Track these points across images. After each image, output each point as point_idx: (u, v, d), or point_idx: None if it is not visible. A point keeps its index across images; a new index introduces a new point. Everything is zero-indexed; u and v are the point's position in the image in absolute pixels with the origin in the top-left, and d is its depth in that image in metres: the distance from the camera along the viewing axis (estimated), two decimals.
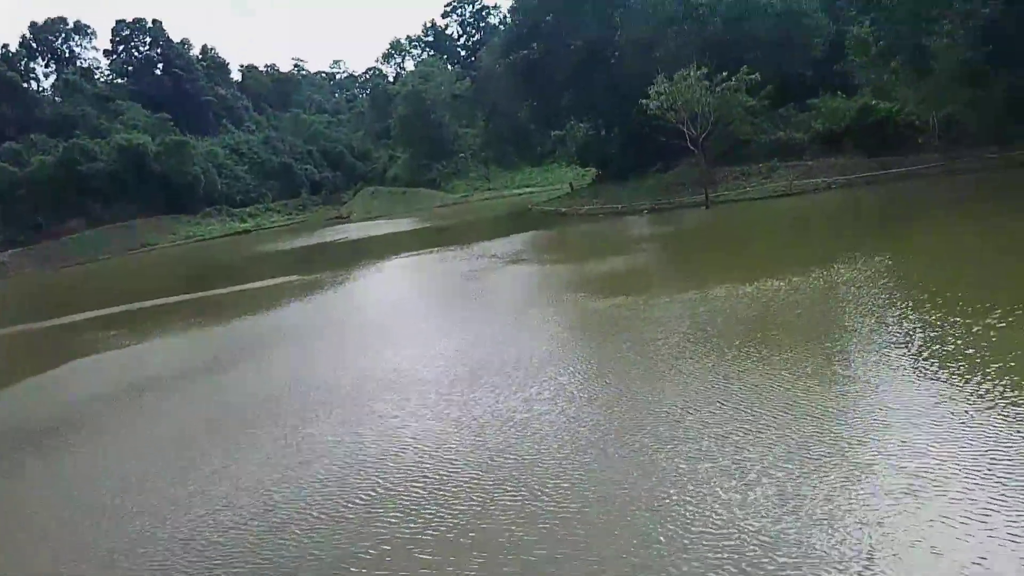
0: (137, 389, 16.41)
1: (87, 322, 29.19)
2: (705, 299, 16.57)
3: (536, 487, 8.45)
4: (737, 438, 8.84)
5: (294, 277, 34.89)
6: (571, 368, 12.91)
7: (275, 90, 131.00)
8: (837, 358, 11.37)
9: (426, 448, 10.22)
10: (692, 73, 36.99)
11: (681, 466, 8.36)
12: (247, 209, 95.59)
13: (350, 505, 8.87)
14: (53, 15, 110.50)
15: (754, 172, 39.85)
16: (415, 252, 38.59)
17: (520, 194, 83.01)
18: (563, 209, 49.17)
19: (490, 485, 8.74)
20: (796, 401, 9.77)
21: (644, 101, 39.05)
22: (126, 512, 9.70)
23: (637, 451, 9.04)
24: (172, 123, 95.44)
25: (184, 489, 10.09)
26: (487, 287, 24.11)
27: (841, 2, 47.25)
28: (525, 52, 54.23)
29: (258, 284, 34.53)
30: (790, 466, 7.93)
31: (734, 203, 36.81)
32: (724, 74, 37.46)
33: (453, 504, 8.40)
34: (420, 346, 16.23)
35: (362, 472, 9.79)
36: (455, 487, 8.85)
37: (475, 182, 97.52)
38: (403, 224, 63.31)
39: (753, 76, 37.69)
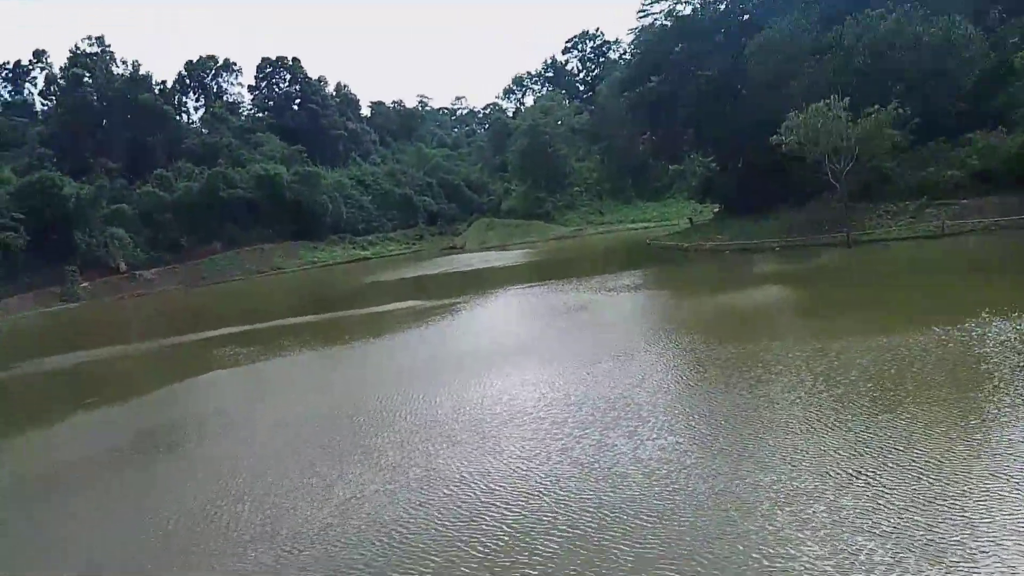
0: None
1: (224, 337, 30.50)
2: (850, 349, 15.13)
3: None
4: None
5: (415, 303, 35.32)
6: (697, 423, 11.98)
7: (400, 124, 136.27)
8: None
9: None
10: (833, 105, 35.05)
11: None
12: (368, 237, 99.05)
13: None
14: (206, 53, 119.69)
15: (899, 211, 37.09)
16: (532, 284, 38.15)
17: (635, 228, 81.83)
18: (684, 244, 47.67)
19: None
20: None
21: (778, 133, 37.36)
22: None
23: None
24: (305, 154, 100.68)
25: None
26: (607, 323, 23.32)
27: (1001, 29, 43.95)
28: (651, 84, 53.48)
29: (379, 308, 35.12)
30: None
31: (878, 243, 34.30)
32: (875, 106, 35.15)
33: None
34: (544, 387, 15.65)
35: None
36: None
37: (588, 215, 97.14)
38: (517, 256, 63.43)
39: (902, 110, 35.18)
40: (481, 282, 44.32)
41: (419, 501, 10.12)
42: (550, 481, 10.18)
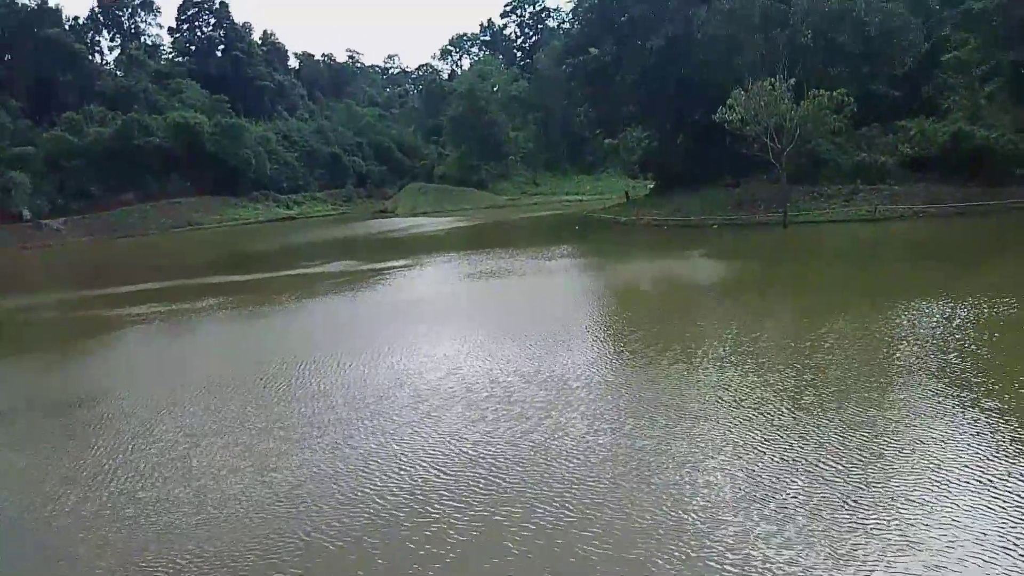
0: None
1: (139, 294, 28.38)
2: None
3: None
4: None
5: (349, 264, 33.89)
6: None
7: (330, 80, 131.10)
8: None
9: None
10: (779, 84, 35.14)
11: None
12: (293, 196, 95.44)
13: None
14: None
15: (833, 194, 37.77)
16: (470, 251, 37.22)
17: (569, 200, 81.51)
18: (622, 218, 47.48)
19: None
20: None
21: (721, 110, 37.26)
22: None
23: None
24: (228, 105, 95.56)
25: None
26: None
27: (935, 20, 45.03)
28: (594, 53, 52.55)
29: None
30: None
31: (814, 225, 34.85)
32: (819, 90, 35.37)
33: None
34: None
35: None
36: None
37: (523, 185, 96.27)
38: (452, 223, 62.17)
39: (844, 94, 35.55)
40: (419, 247, 43.04)
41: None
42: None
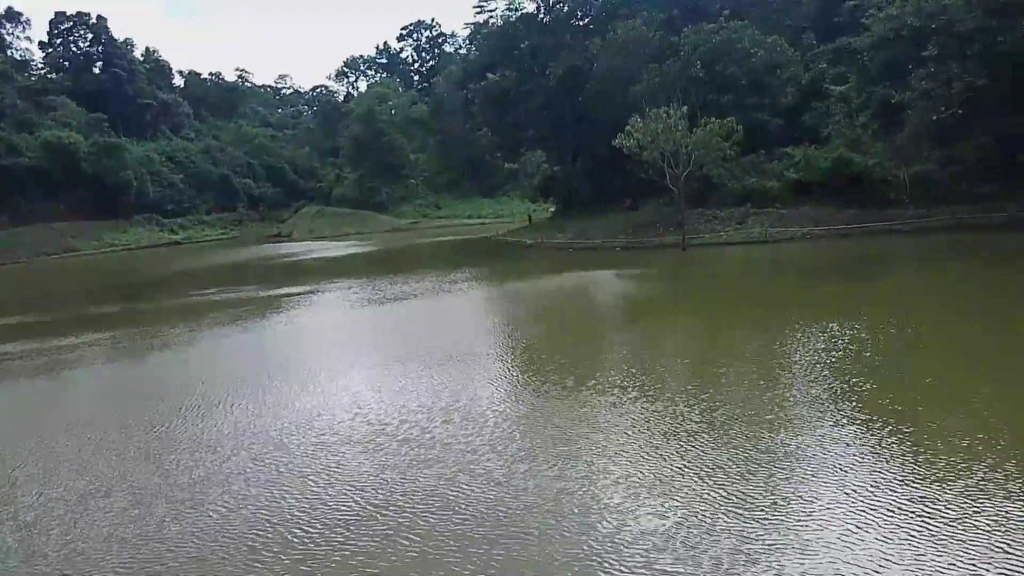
0: None
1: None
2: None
3: None
4: None
5: (240, 292, 32.20)
6: None
7: (218, 99, 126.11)
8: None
9: None
10: (673, 112, 36.32)
11: None
12: (179, 220, 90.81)
13: None
14: None
15: (726, 217, 39.29)
16: (373, 277, 36.29)
17: (471, 224, 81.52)
18: (527, 241, 47.63)
19: None
20: None
21: (620, 136, 38.14)
22: None
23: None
24: (107, 124, 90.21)
25: None
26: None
27: (811, 55, 48.06)
28: (495, 78, 53.02)
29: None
30: None
31: (710, 247, 36.01)
32: (712, 119, 36.92)
33: None
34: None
35: None
36: None
37: (424, 208, 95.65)
38: (351, 246, 60.65)
39: (733, 122, 37.26)
40: (318, 273, 41.59)
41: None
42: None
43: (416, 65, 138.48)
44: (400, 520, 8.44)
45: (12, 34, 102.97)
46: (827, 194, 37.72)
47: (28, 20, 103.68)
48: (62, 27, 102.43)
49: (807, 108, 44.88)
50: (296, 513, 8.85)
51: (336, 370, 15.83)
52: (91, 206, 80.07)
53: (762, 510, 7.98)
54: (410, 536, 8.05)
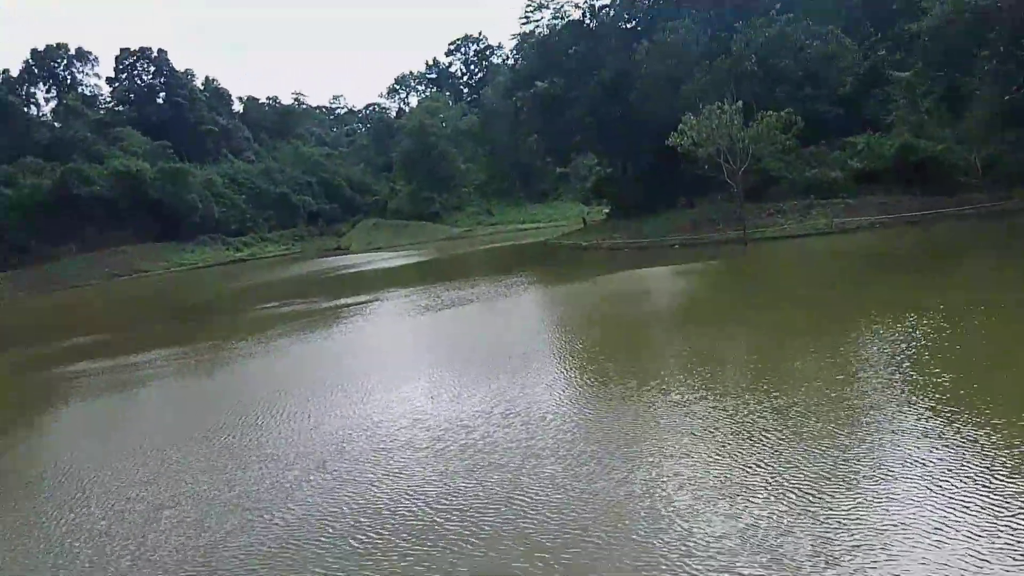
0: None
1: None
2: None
3: None
4: None
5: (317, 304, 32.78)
6: None
7: (276, 122, 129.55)
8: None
9: None
10: (728, 107, 35.56)
11: None
12: (242, 238, 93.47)
13: None
14: (55, 41, 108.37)
15: (789, 209, 38.18)
16: (451, 281, 36.24)
17: (524, 229, 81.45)
18: (583, 243, 47.29)
19: None
20: None
21: (673, 135, 37.56)
22: None
23: None
24: (171, 151, 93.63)
25: None
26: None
27: (870, 42, 46.49)
28: (543, 85, 52.90)
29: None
30: None
31: (773, 241, 35.03)
32: (769, 112, 35.98)
33: None
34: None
35: None
36: None
37: (477, 216, 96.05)
38: (410, 256, 61.26)
39: (790, 113, 36.25)
40: (376, 283, 42.08)
41: None
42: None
43: (465, 78, 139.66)
44: (463, 525, 8.29)
45: (81, 71, 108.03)
46: (893, 182, 36.40)
47: (96, 58, 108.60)
48: (127, 62, 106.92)
49: (867, 96, 43.41)
50: (361, 519, 8.81)
51: (395, 378, 15.84)
52: (158, 230, 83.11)
53: (842, 510, 7.55)
54: (474, 541, 7.90)
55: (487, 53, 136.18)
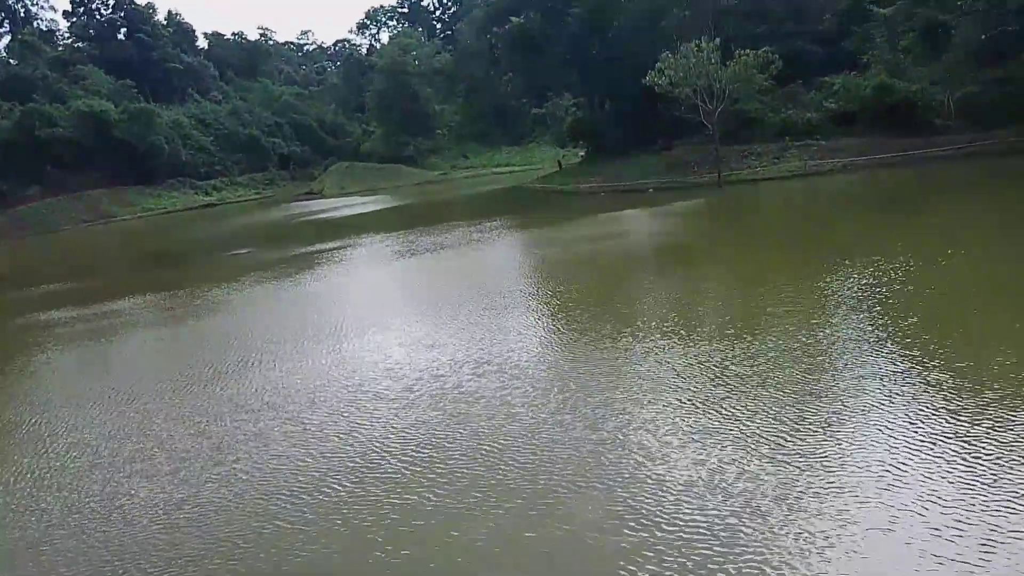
0: None
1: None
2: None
3: None
4: None
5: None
6: None
7: (242, 59, 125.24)
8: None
9: None
10: (705, 46, 34.95)
11: None
12: (212, 182, 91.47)
13: None
14: None
15: (764, 152, 38.06)
16: (429, 226, 35.70)
17: (500, 172, 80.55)
18: (559, 187, 46.93)
19: None
20: None
21: (651, 74, 36.90)
22: None
23: None
24: (136, 90, 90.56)
25: None
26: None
27: None
28: (520, 21, 51.44)
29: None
30: None
31: (748, 183, 35.02)
32: (746, 51, 35.37)
33: None
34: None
35: None
36: None
37: (453, 160, 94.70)
38: (387, 200, 60.44)
39: (770, 52, 35.70)
40: (349, 229, 41.56)
41: None
42: None
43: (438, 13, 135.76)
44: (435, 476, 8.35)
45: (36, 4, 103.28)
46: (868, 123, 36.26)
47: None
48: None
49: (848, 34, 42.83)
50: (329, 469, 8.84)
51: (368, 324, 15.75)
52: (125, 173, 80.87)
53: (800, 455, 7.70)
54: (448, 489, 7.96)
55: None
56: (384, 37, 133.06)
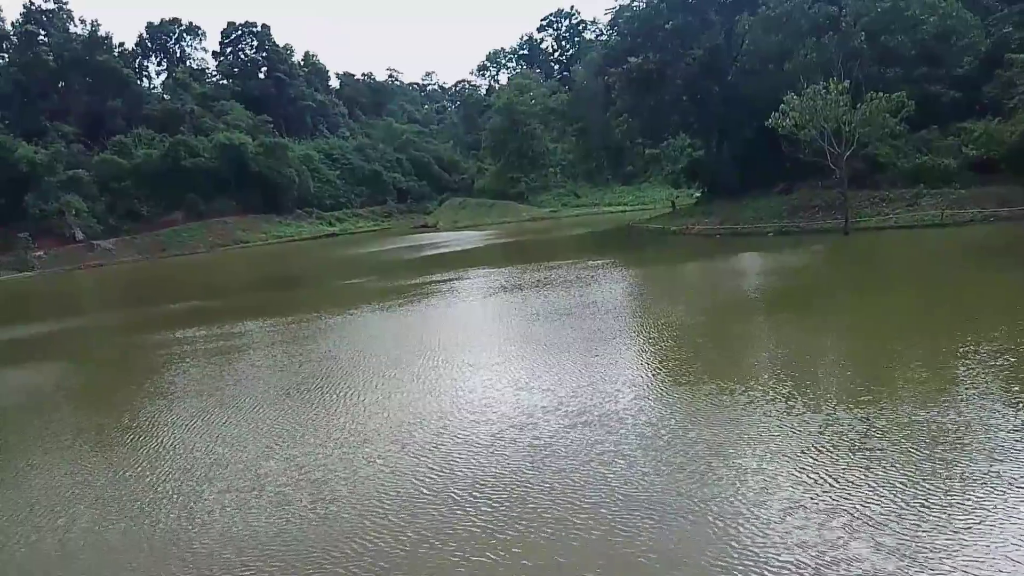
0: None
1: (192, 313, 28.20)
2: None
3: None
4: None
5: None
6: None
7: (370, 98, 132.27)
8: None
9: None
10: (833, 87, 33.70)
11: None
12: (335, 213, 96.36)
13: None
14: (168, 16, 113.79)
15: (896, 198, 36.00)
16: (533, 263, 36.11)
17: (611, 211, 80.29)
18: (672, 228, 46.15)
19: None
20: None
21: (775, 115, 35.90)
22: None
23: None
24: (271, 125, 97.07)
25: None
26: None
27: (994, 18, 42.95)
28: (637, 61, 51.48)
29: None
30: None
31: (877, 231, 33.13)
32: (877, 93, 33.88)
33: None
34: None
35: None
36: None
37: (563, 197, 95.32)
38: (496, 235, 61.40)
39: (901, 96, 34.01)
40: (460, 262, 42.40)
41: None
42: None
43: (556, 54, 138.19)
44: (530, 524, 8.18)
45: (190, 45, 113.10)
46: (1013, 171, 33.60)
47: (204, 32, 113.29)
48: (232, 36, 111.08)
49: (988, 78, 40.15)
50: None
51: (469, 361, 15.84)
52: (257, 201, 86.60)
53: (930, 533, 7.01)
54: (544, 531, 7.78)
55: (579, 28, 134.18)
56: (503, 78, 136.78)
